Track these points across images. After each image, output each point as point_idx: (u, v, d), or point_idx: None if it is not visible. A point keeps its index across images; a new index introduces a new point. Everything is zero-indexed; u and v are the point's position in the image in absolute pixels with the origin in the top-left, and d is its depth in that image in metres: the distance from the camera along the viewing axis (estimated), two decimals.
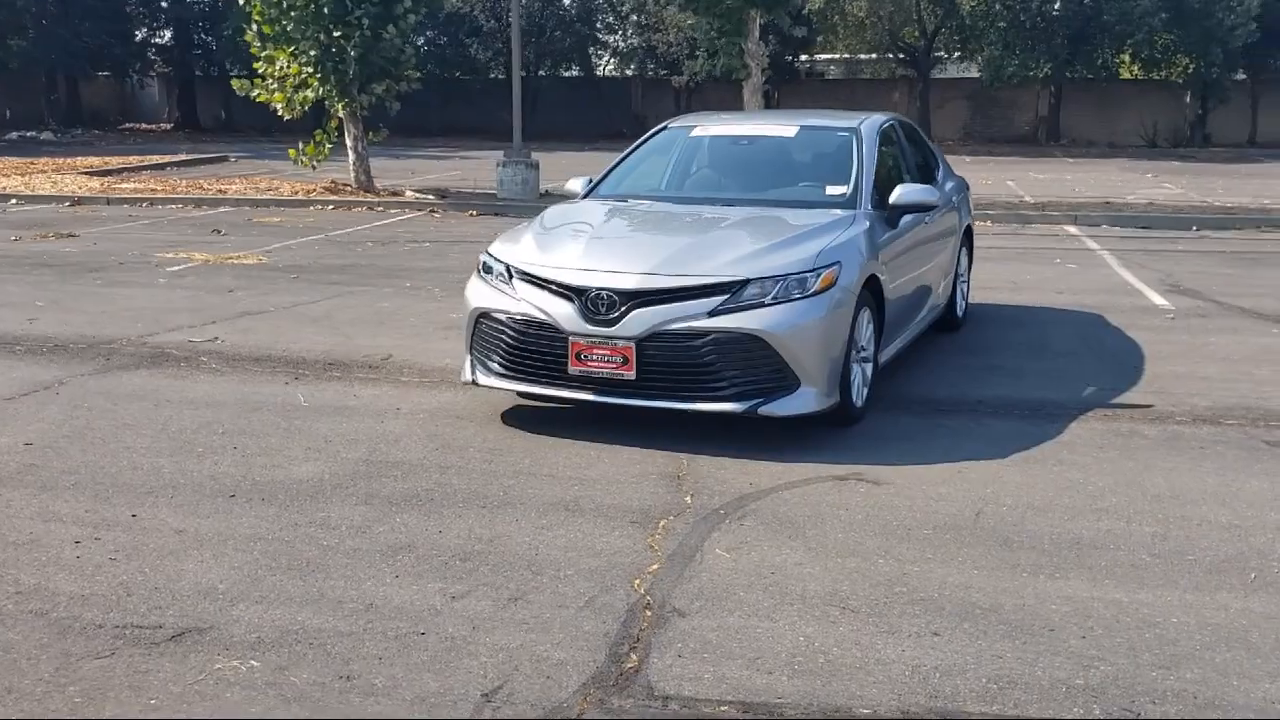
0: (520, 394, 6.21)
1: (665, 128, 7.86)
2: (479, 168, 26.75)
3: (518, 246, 6.34)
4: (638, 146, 7.69)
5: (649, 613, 3.88)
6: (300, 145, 18.58)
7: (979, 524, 4.75)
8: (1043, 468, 5.53)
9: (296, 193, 18.64)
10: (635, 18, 38.08)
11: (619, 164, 7.53)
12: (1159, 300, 10.26)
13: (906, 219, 7.01)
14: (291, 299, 10.02)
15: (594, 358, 5.77)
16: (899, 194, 6.80)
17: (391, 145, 24.99)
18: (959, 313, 8.86)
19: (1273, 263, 12.58)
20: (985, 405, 6.73)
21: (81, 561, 4.35)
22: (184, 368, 7.48)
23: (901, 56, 39.23)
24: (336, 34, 17.40)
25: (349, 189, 18.83)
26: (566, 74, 40.66)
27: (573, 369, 5.82)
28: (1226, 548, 4.52)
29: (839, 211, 6.60)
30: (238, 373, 7.38)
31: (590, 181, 7.53)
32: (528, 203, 18.10)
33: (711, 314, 5.67)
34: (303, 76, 17.94)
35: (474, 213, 17.40)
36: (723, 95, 39.96)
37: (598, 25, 40.13)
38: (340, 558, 4.38)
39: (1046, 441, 5.96)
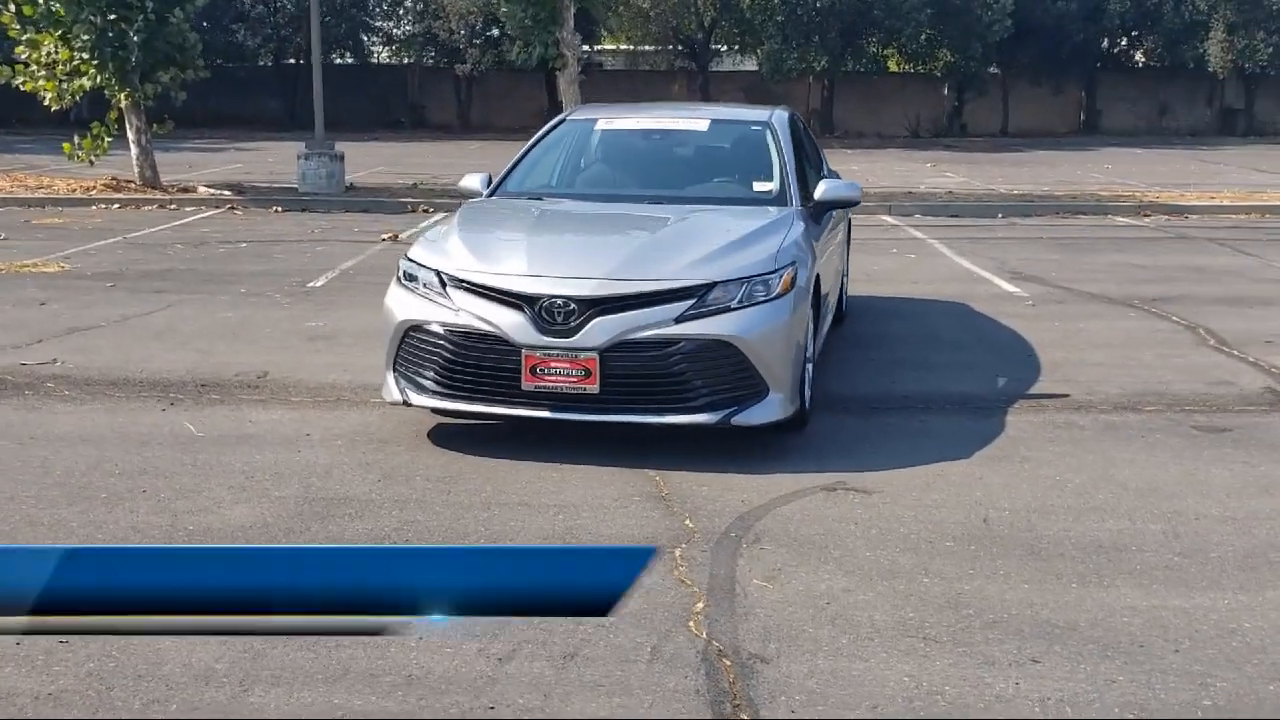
0: (458, 414, 5.68)
1: (564, 120, 7.40)
2: (258, 160, 25.30)
3: (446, 251, 5.79)
4: (537, 142, 7.20)
5: (727, 661, 3.52)
6: (75, 139, 16.93)
7: (993, 532, 4.61)
8: (1013, 466, 5.46)
9: (74, 190, 16.99)
10: (413, 4, 36.91)
11: (521, 160, 7.04)
12: (1010, 287, 10.55)
13: (825, 216, 6.86)
14: (118, 311, 9.00)
15: (551, 371, 5.31)
16: (825, 190, 6.62)
17: (155, 137, 23.25)
18: (843, 307, 8.83)
19: (1089, 248, 13.22)
20: (913, 401, 6.65)
21: (37, 664, 3.59)
22: (32, 397, 6.53)
23: (681, 49, 39.63)
24: (113, 16, 15.93)
25: (133, 186, 17.31)
26: (340, 62, 39.01)
27: (527, 384, 5.35)
28: (1237, 542, 4.54)
29: (774, 209, 6.37)
30: (99, 400, 6.50)
31: (489, 179, 7.02)
32: (334, 197, 17.16)
33: (678, 320, 5.32)
34: (75, 63, 16.34)
35: (278, 209, 16.32)
36: (508, 85, 39.50)
37: (373, 11, 38.69)
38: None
39: (996, 438, 5.92)
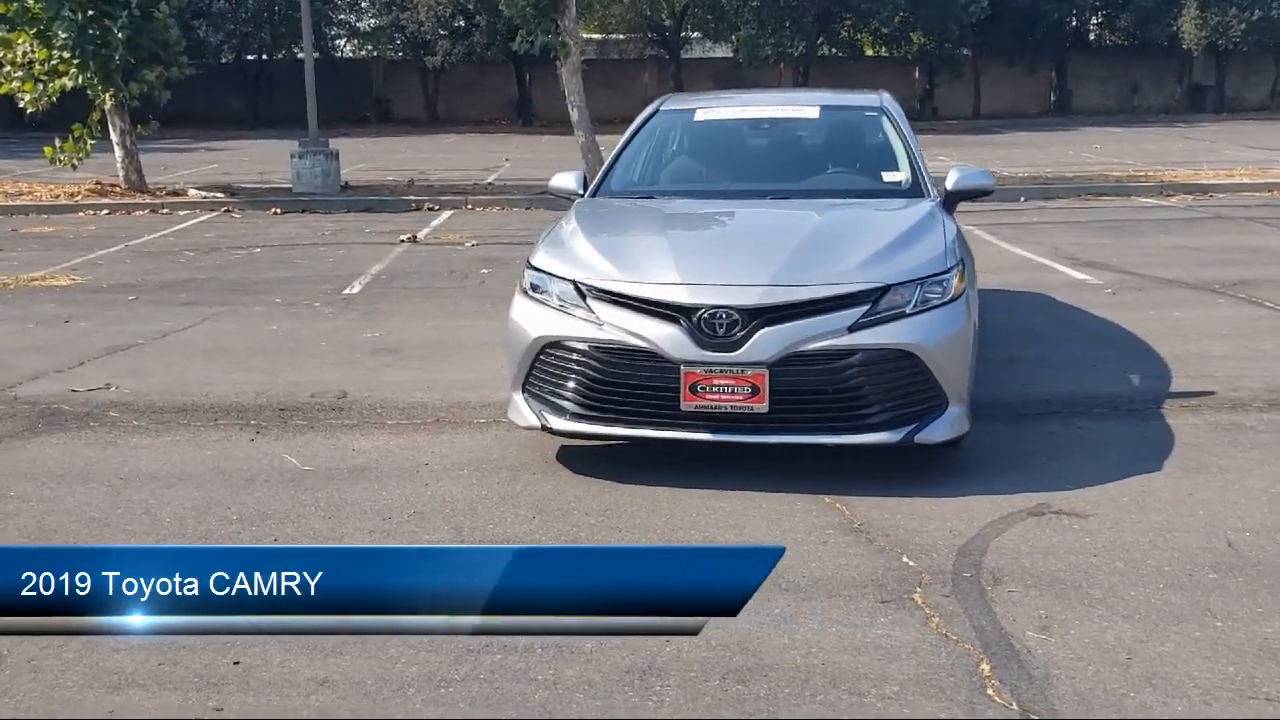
0: (602, 439, 5.13)
1: (658, 112, 6.81)
2: (233, 159, 24.50)
3: (580, 259, 5.23)
4: (633, 136, 6.59)
5: None
6: (57, 142, 16.05)
7: (1246, 557, 4.15)
8: (1213, 477, 5.01)
9: (58, 196, 16.14)
10: None
11: (620, 156, 6.46)
12: (1079, 274, 10.14)
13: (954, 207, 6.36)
14: (153, 327, 8.33)
15: (714, 389, 4.78)
16: (959, 179, 6.11)
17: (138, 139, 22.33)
18: None
19: (1132, 230, 12.86)
20: (1057, 405, 6.19)
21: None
22: (100, 429, 5.89)
23: (653, 36, 39.05)
24: (91, 12, 15.09)
25: (118, 190, 16.48)
26: (302, 56, 37.96)
27: (686, 404, 4.81)
28: None
29: (913, 202, 5.87)
30: (175, 430, 5.87)
31: (584, 178, 6.46)
32: (331, 196, 16.44)
33: (852, 329, 4.80)
34: (54, 63, 15.48)
35: (277, 210, 15.59)
36: (474, 77, 38.73)
37: (336, 4, 37.70)
38: (625, 698, 3.26)
39: (1174, 445, 5.46)
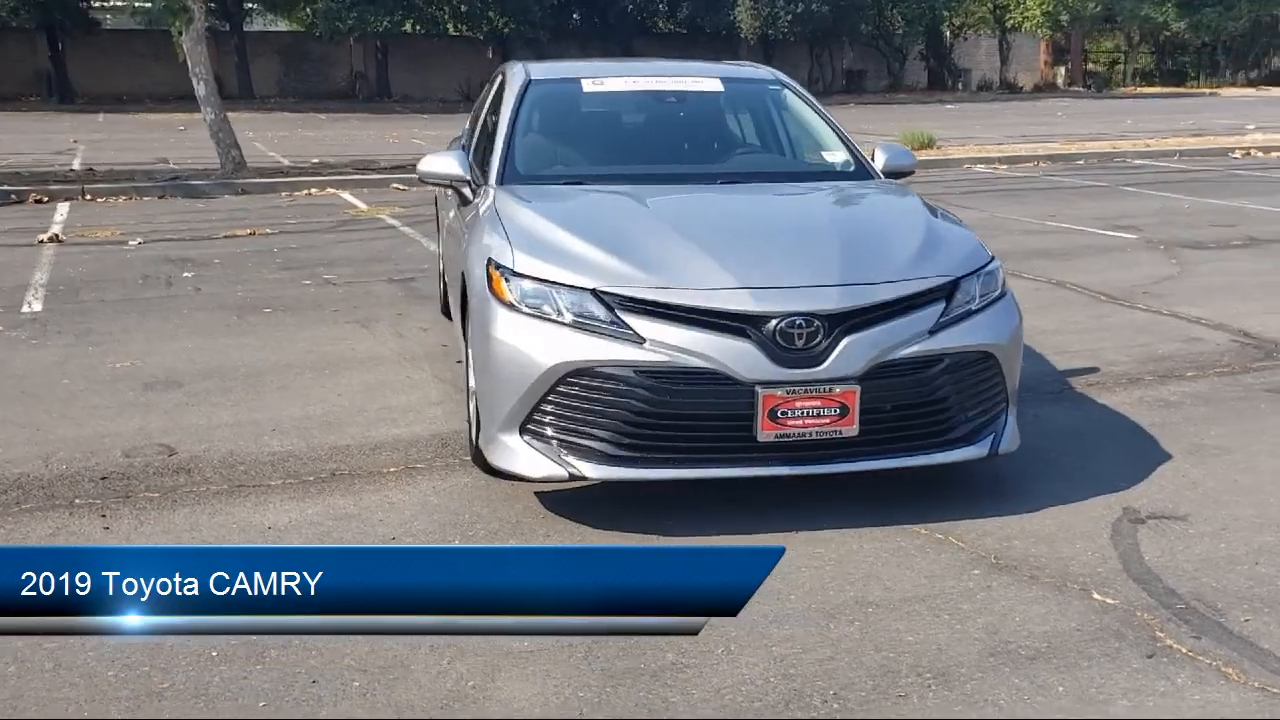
0: (655, 483, 4.10)
1: (531, 83, 5.60)
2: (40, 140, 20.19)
3: (586, 262, 4.12)
4: (516, 111, 5.35)
5: None
6: None
7: None
8: (1226, 458, 4.85)
9: None
10: None
11: (512, 135, 5.25)
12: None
13: None
14: (140, 350, 6.02)
15: (798, 413, 3.93)
16: (888, 158, 5.57)
17: None
18: None
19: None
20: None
21: None
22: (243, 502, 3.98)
23: (212, 5, 35.65)
24: None
25: None
26: None
27: (764, 434, 3.93)
28: None
29: (872, 183, 5.29)
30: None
31: (467, 159, 5.29)
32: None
33: (933, 331, 4.15)
34: None
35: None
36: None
37: None
38: None
39: (1144, 428, 5.29)
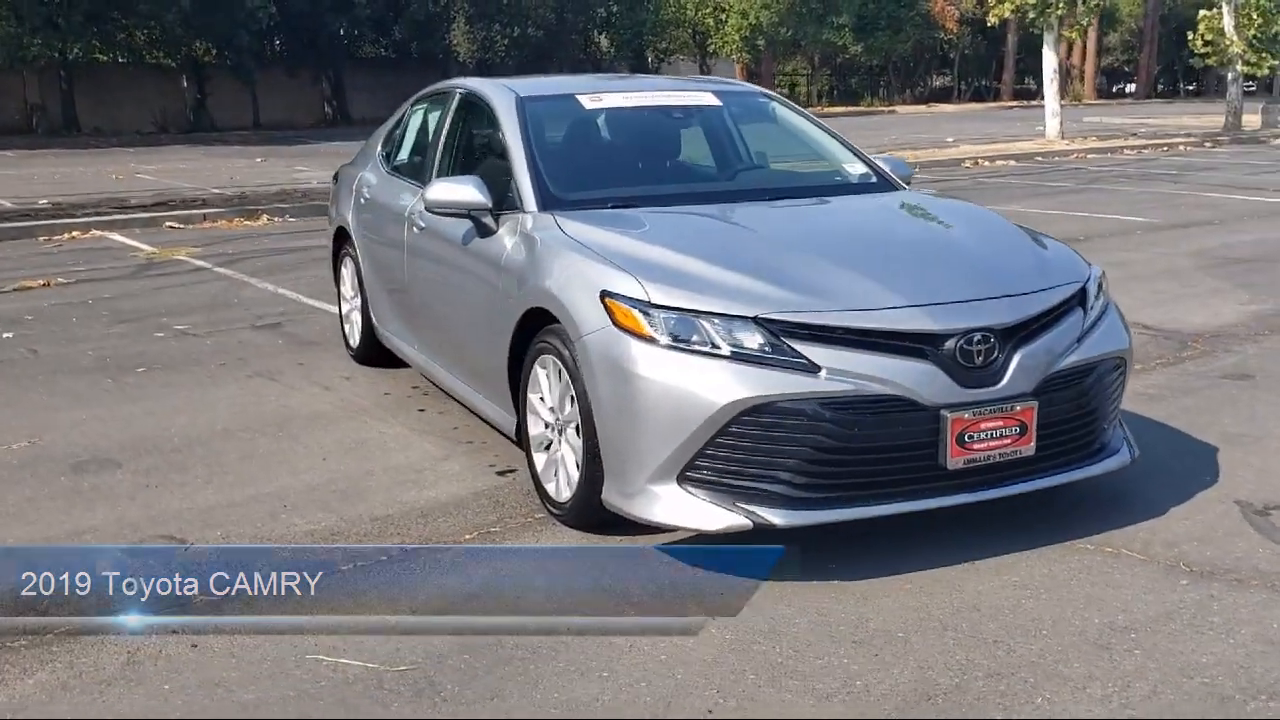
0: (842, 524, 3.71)
1: (523, 101, 4.95)
2: None
3: (733, 290, 3.70)
4: (524, 132, 4.75)
5: None
6: None
7: None
8: (1255, 444, 5.04)
9: None
10: None
11: (534, 158, 4.68)
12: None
13: None
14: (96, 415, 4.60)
15: (983, 436, 3.69)
16: (892, 169, 5.43)
17: None
18: None
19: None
20: None
21: None
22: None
23: None
24: None
25: None
26: None
27: (953, 460, 3.66)
28: None
29: (901, 193, 5.15)
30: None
31: (485, 185, 4.69)
32: None
33: (1081, 338, 4.02)
34: None
35: None
36: None
37: None
38: None
39: (1160, 414, 5.43)
